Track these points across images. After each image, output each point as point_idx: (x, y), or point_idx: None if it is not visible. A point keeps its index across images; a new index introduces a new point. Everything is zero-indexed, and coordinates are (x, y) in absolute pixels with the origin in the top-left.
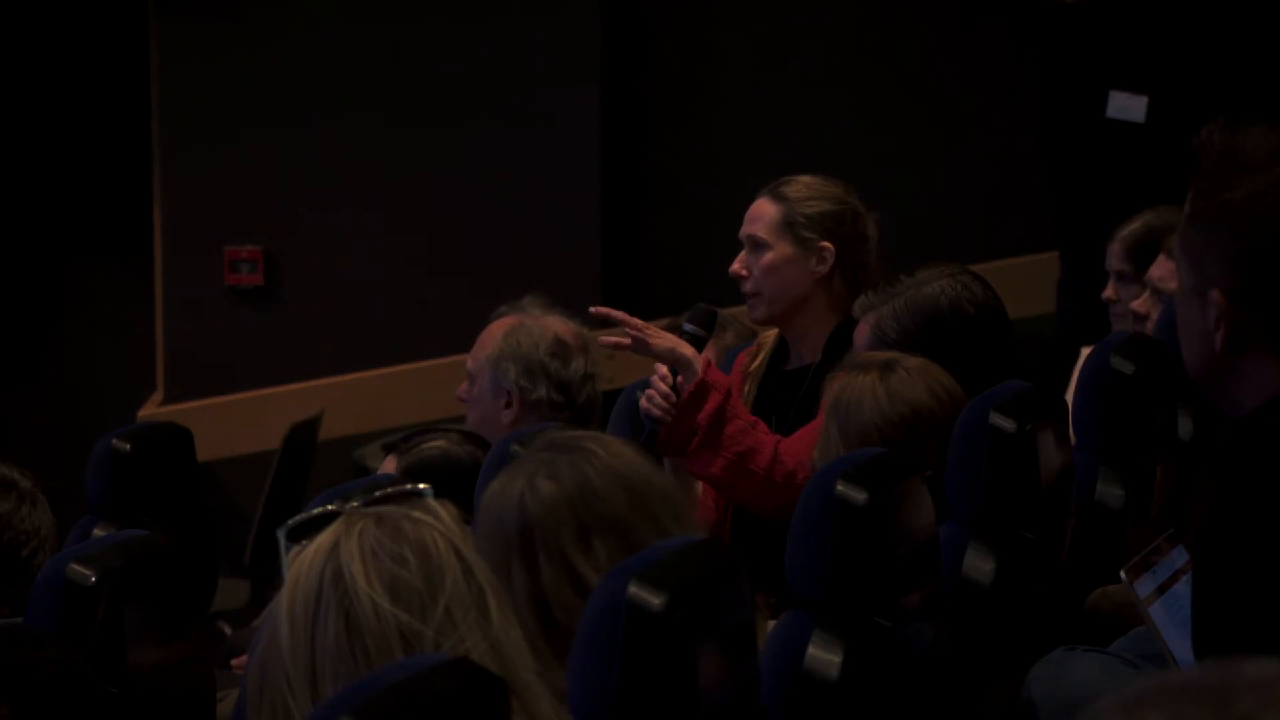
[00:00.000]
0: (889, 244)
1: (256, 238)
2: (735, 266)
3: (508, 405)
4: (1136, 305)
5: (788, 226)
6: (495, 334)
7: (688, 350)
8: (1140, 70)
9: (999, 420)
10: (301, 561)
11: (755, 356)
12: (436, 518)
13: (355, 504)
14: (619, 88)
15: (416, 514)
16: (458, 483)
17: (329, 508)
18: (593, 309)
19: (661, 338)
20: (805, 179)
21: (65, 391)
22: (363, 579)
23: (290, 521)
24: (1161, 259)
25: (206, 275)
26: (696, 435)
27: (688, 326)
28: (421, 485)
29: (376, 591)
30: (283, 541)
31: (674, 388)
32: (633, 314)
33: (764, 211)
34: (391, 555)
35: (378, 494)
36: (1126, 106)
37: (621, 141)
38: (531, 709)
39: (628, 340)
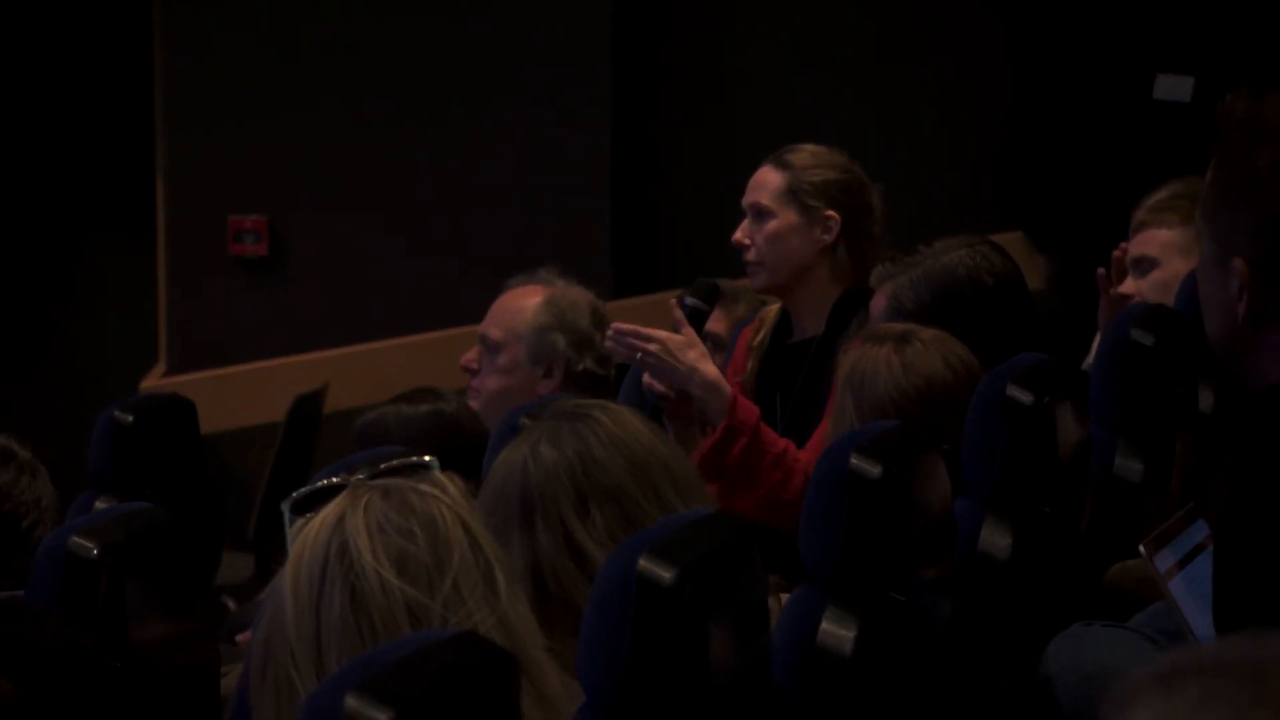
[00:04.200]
0: (905, 220)
1: (261, 207)
2: (738, 235)
3: (547, 375)
4: (1125, 289)
5: (792, 194)
6: (528, 303)
7: (719, 387)
8: (1185, 51)
9: (1016, 393)
10: (306, 535)
11: (758, 331)
12: (444, 491)
13: (360, 477)
14: (631, 59)
15: (423, 487)
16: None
17: (333, 480)
18: (615, 326)
19: (694, 362)
20: (810, 147)
21: (67, 362)
22: (369, 553)
23: (294, 495)
24: (1140, 238)
25: (210, 245)
26: (726, 477)
27: (689, 300)
28: (427, 458)
29: (383, 566)
30: (287, 515)
31: None
32: (642, 287)
33: (768, 179)
34: (398, 529)
35: (383, 466)
36: (1173, 88)
37: (633, 112)
38: (539, 684)
39: (652, 345)
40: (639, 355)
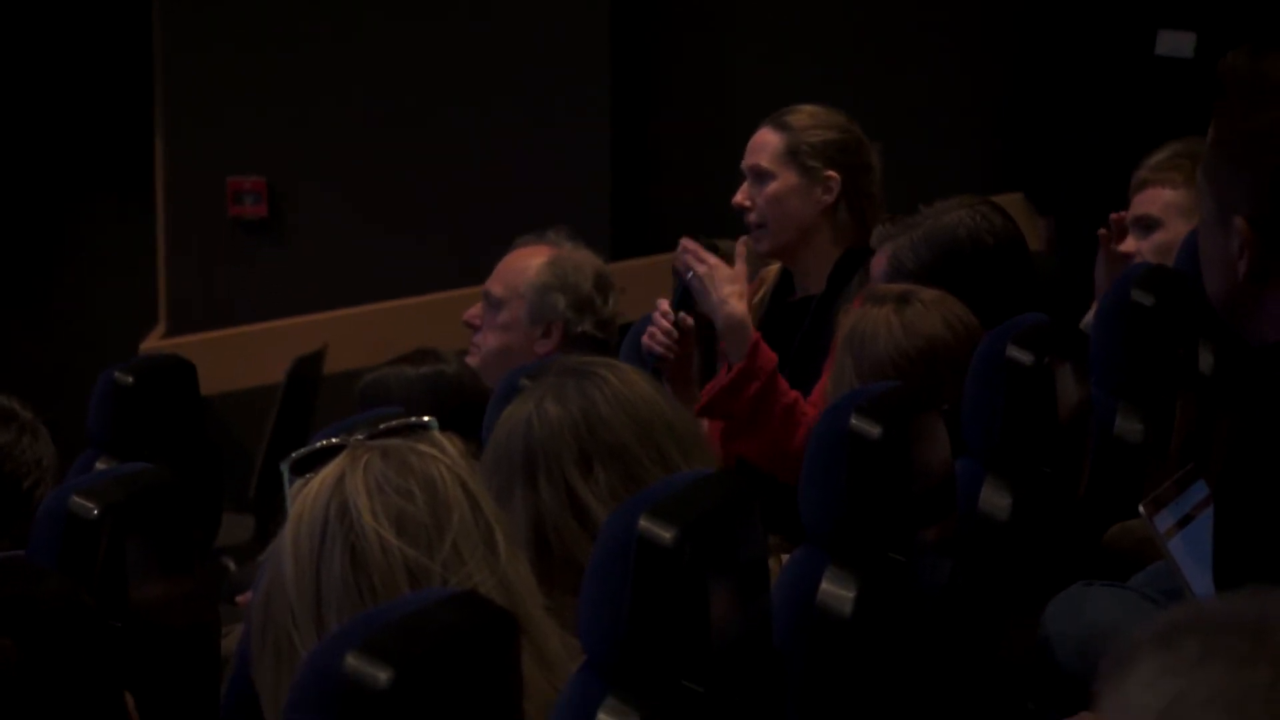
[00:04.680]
0: (906, 182)
1: (260, 169)
2: (738, 198)
3: (545, 335)
4: (1125, 247)
5: (792, 156)
6: (532, 262)
7: (743, 327)
8: (1187, 7)
9: (1016, 353)
10: (306, 495)
11: (758, 290)
12: (443, 451)
13: (359, 437)
14: (630, 19)
15: (422, 447)
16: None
17: (333, 441)
18: (684, 240)
19: (727, 296)
20: (808, 108)
21: (67, 324)
22: (369, 514)
23: (294, 455)
24: (1141, 197)
25: (209, 206)
26: (733, 418)
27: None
28: (426, 418)
29: (383, 526)
30: (286, 475)
31: (676, 324)
32: (640, 249)
33: (767, 141)
34: (398, 489)
35: (381, 427)
36: (1175, 44)
37: (632, 71)
38: (539, 644)
39: (702, 268)
40: (689, 274)
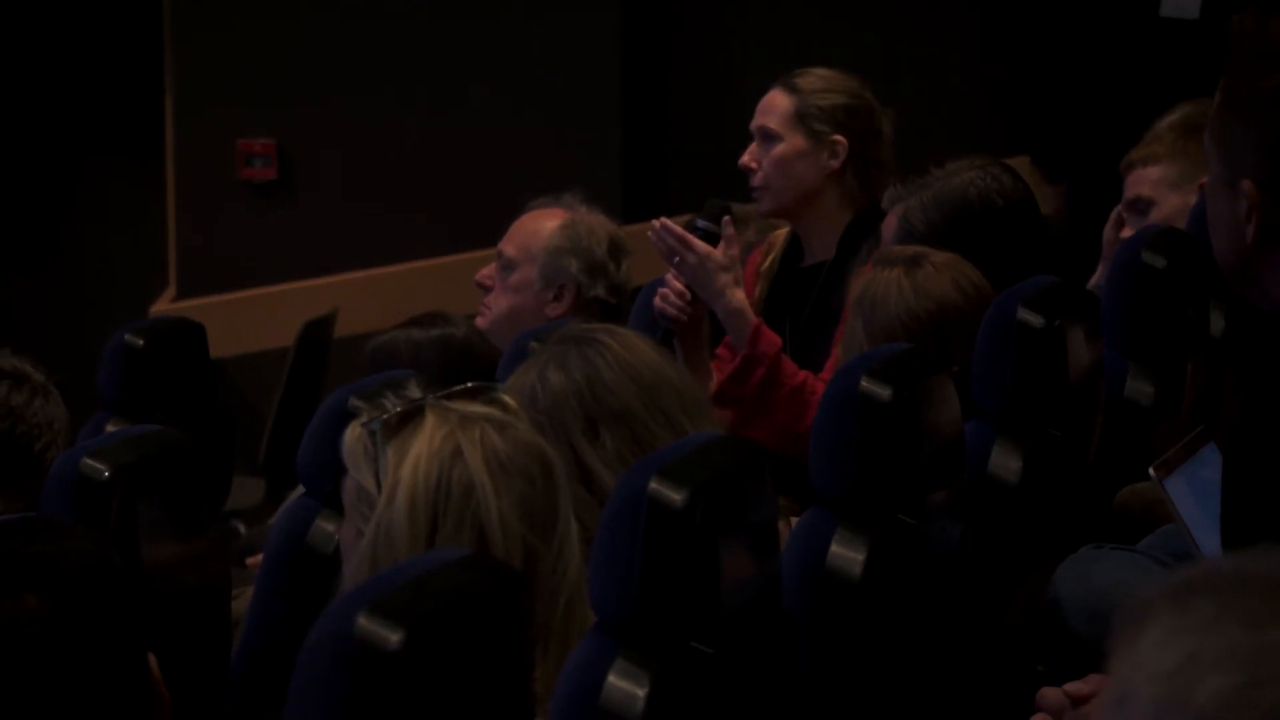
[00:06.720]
0: (914, 145)
1: (270, 131)
2: (745, 159)
3: (557, 299)
4: (1124, 235)
5: (800, 119)
6: (547, 224)
7: (743, 315)
8: None
9: (1027, 316)
10: (417, 461)
11: (766, 255)
12: (521, 419)
13: (435, 397)
14: None
15: (521, 424)
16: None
17: (419, 398)
18: (663, 221)
19: (723, 287)
20: (820, 71)
21: (78, 287)
22: (493, 493)
23: (380, 419)
24: (1131, 179)
25: (219, 169)
26: (742, 405)
27: (700, 223)
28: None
29: (508, 510)
30: (379, 439)
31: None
32: (653, 211)
33: (776, 103)
34: (521, 471)
35: (457, 389)
36: (1181, 4)
37: (643, 34)
38: (583, 624)
39: (692, 258)
40: (676, 259)
